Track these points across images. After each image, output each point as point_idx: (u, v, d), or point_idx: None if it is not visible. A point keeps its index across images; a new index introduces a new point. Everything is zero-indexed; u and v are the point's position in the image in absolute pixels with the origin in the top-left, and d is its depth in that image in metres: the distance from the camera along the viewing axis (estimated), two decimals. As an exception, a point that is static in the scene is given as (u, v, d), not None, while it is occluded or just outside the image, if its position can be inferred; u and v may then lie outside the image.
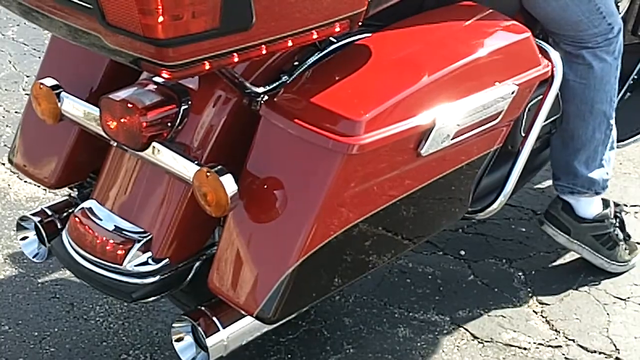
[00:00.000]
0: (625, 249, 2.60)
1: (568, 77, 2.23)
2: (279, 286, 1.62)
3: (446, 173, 1.86)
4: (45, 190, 3.04)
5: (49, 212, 2.04)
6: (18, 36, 4.20)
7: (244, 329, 1.77)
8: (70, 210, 2.01)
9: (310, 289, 1.70)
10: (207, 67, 1.45)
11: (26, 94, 3.69)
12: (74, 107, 1.85)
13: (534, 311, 2.52)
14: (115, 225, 1.80)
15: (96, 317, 2.48)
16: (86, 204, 1.86)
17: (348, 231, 1.67)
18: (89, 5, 1.42)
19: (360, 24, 1.64)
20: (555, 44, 2.27)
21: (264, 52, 1.51)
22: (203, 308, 1.78)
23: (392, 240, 1.86)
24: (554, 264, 2.71)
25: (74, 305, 2.52)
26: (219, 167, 1.60)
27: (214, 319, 1.75)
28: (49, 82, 1.87)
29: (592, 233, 2.53)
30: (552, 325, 2.47)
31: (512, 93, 1.88)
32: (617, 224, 2.58)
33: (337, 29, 1.60)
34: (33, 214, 2.03)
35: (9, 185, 3.08)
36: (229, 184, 1.59)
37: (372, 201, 1.70)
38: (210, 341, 1.73)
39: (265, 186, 1.65)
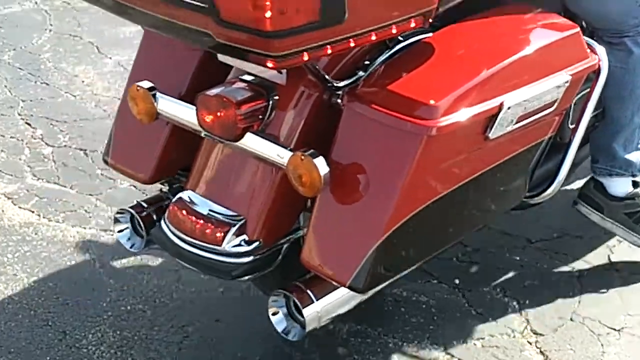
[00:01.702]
0: None
1: (610, 63, 2.29)
2: (369, 258, 1.78)
3: (509, 157, 2.03)
4: (39, 215, 3.05)
5: (145, 205, 2.18)
6: (14, 61, 4.20)
7: (336, 300, 1.94)
8: (161, 203, 2.18)
9: (395, 260, 1.88)
10: (306, 58, 1.62)
11: (21, 119, 3.69)
12: (170, 106, 2.03)
13: (528, 342, 2.51)
14: (212, 211, 1.97)
15: (88, 345, 2.47)
16: (183, 194, 2.03)
17: (427, 208, 1.84)
18: (203, 5, 1.59)
19: (431, 20, 1.82)
20: (599, 37, 2.38)
21: (352, 44, 1.68)
22: (297, 283, 1.94)
23: (464, 218, 2.06)
24: (549, 293, 2.70)
25: (67, 333, 2.51)
26: (312, 150, 1.78)
27: (308, 292, 1.91)
28: (145, 84, 2.04)
29: (625, 211, 2.60)
30: (547, 357, 2.46)
31: (566, 83, 2.04)
32: None
33: (413, 24, 1.77)
34: (130, 207, 2.18)
35: (2, 211, 3.08)
36: (322, 165, 1.77)
37: (447, 180, 1.89)
38: (305, 312, 1.90)
39: (352, 167, 1.81)
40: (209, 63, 2.06)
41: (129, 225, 2.20)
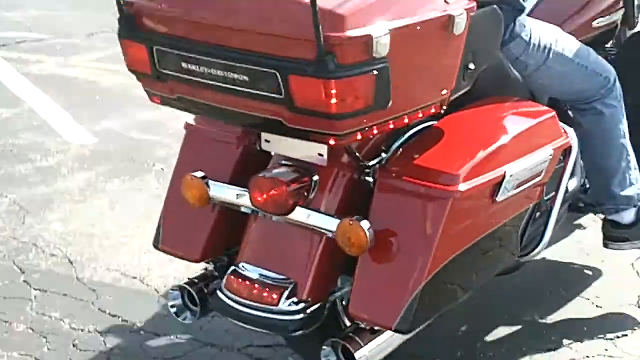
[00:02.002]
0: None
1: (587, 127, 2.78)
2: (410, 303, 2.09)
3: (509, 218, 2.41)
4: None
5: (196, 281, 2.46)
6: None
7: (382, 343, 2.24)
8: (209, 280, 2.47)
9: (432, 304, 2.18)
10: (359, 137, 2.02)
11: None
12: (220, 190, 2.36)
13: None
14: (265, 277, 2.27)
15: None
16: (237, 265, 2.33)
17: (453, 260, 2.18)
18: (278, 96, 1.95)
19: (444, 108, 2.22)
20: (570, 107, 2.87)
21: (391, 126, 2.09)
22: (347, 333, 2.23)
23: (480, 268, 2.42)
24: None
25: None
26: (357, 216, 2.12)
27: (357, 338, 2.19)
28: (198, 174, 2.35)
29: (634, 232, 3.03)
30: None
31: (550, 156, 2.45)
32: None
33: (433, 110, 2.19)
34: (184, 284, 2.45)
35: None
36: (367, 227, 2.10)
37: (467, 236, 2.24)
38: (357, 354, 2.16)
39: (390, 228, 2.15)
40: (249, 153, 2.41)
41: (180, 300, 2.47)
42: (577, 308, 3.17)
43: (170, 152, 4.35)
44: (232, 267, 2.34)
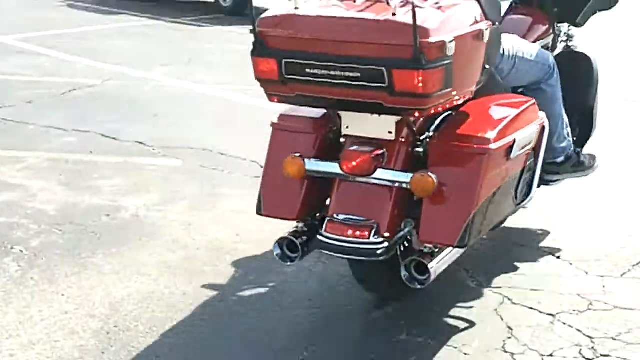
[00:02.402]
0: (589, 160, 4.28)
1: (538, 101, 3.58)
2: (465, 227, 3.00)
3: (516, 171, 3.38)
4: None
5: (297, 234, 3.24)
6: None
7: (443, 258, 3.14)
8: (303, 233, 3.25)
9: (477, 227, 3.06)
10: (432, 111, 2.99)
11: None
12: (316, 165, 3.21)
13: None
14: (356, 220, 3.11)
15: None
16: (332, 216, 3.16)
17: (488, 199, 3.10)
18: (383, 85, 2.87)
19: (472, 96, 3.22)
20: (524, 89, 3.84)
21: (447, 106, 3.05)
22: (416, 255, 3.09)
23: (503, 206, 3.37)
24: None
25: None
26: (424, 169, 3.05)
27: (427, 256, 3.08)
28: (297, 154, 3.20)
29: (570, 166, 4.14)
30: None
31: (537, 128, 3.50)
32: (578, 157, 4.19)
33: (468, 97, 3.18)
34: (288, 235, 3.23)
35: None
36: (435, 177, 3.00)
37: (495, 182, 3.16)
38: (430, 265, 3.04)
39: (446, 177, 3.04)
40: (325, 139, 3.30)
41: (280, 251, 3.25)
42: (445, 356, 3.24)
43: (29, 233, 4.25)
44: (327, 218, 3.16)
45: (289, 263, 3.27)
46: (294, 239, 3.22)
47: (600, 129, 4.63)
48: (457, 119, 3.22)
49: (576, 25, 4.47)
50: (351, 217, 3.13)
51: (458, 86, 3.01)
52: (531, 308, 3.55)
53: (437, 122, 3.24)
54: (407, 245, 3.27)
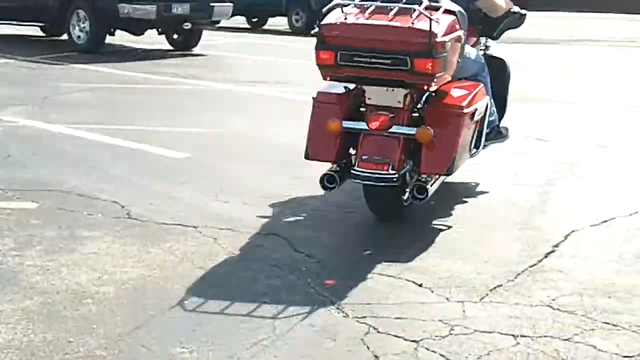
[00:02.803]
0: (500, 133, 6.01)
1: None
2: (451, 162, 4.63)
3: (473, 131, 5.04)
4: None
5: (336, 171, 4.76)
6: None
7: (435, 183, 4.82)
8: (339, 171, 4.78)
9: (457, 162, 4.70)
10: (433, 88, 4.72)
11: None
12: (350, 124, 4.72)
13: None
14: (377, 160, 4.65)
15: None
16: (361, 157, 4.69)
17: (463, 144, 4.77)
18: (405, 68, 4.52)
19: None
20: (468, 80, 5.27)
21: (440, 84, 4.70)
22: (416, 182, 4.66)
23: (469, 150, 5.04)
24: None
25: None
26: (425, 125, 4.63)
27: (425, 183, 4.66)
28: (337, 118, 4.73)
29: (494, 134, 5.81)
30: None
31: (485, 102, 5.15)
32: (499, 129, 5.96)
33: (449, 79, 4.86)
34: (330, 171, 4.73)
35: None
36: (431, 130, 4.58)
37: (468, 134, 4.86)
38: (428, 186, 4.66)
39: (438, 130, 4.58)
40: (354, 107, 4.90)
41: (322, 183, 4.78)
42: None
43: None
44: (358, 159, 4.73)
45: (329, 191, 4.81)
46: (334, 174, 4.73)
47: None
48: (442, 94, 4.88)
49: (493, 39, 6.07)
50: (374, 157, 4.68)
51: (448, 72, 4.76)
52: (396, 336, 3.61)
53: (425, 97, 4.91)
54: (406, 178, 4.85)
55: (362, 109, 4.83)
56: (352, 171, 4.70)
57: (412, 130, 4.63)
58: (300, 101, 9.83)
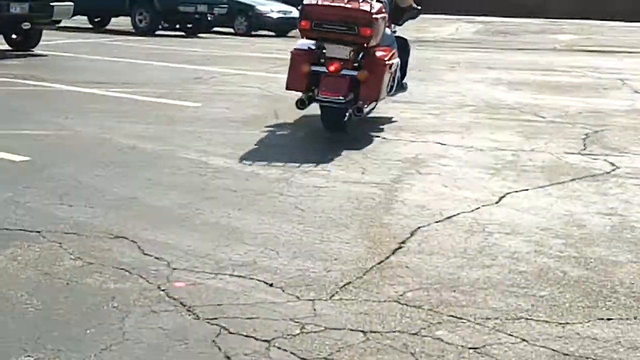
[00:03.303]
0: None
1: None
2: (378, 93, 7.89)
3: (391, 77, 8.25)
4: None
5: (305, 97, 7.68)
6: None
7: (368, 108, 8.59)
8: (308, 98, 7.73)
9: (383, 94, 8.13)
10: (371, 45, 7.80)
11: None
12: (315, 68, 7.68)
13: None
14: (333, 91, 7.55)
15: None
16: (321, 89, 7.58)
17: (385, 83, 8.06)
18: (354, 33, 7.59)
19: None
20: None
21: (372, 44, 7.81)
22: (357, 105, 7.70)
23: (391, 86, 8.38)
24: None
25: None
26: (364, 69, 7.61)
27: (362, 106, 7.81)
28: (308, 64, 7.69)
29: (399, 87, 8.97)
30: None
31: (397, 61, 8.55)
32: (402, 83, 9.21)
33: (376, 44, 8.03)
34: (302, 98, 7.66)
35: None
36: (366, 72, 7.61)
37: (387, 79, 8.05)
38: (365, 108, 8.09)
39: (372, 73, 7.61)
40: (316, 58, 7.72)
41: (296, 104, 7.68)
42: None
43: None
44: (320, 91, 7.51)
45: (301, 110, 7.72)
46: (304, 99, 7.56)
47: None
48: (372, 52, 7.74)
49: (399, 25, 9.09)
50: (330, 89, 7.47)
51: (376, 38, 7.68)
52: (247, 336, 3.60)
53: (362, 53, 7.66)
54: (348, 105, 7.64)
55: (322, 60, 7.67)
56: (316, 98, 7.59)
57: (354, 73, 7.55)
58: (143, 102, 9.73)
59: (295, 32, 25.24)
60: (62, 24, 15.51)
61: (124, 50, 16.20)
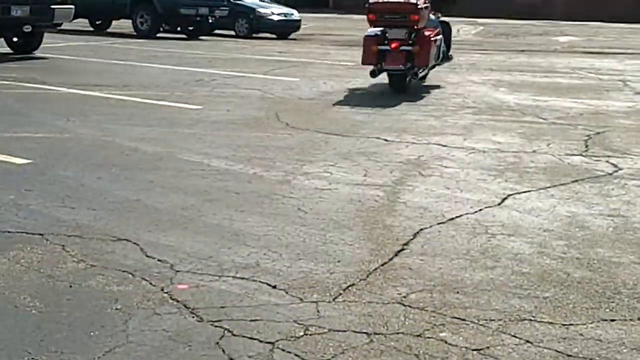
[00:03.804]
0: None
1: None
2: (428, 60, 11.46)
3: (437, 50, 12.16)
4: None
5: (377, 69, 11.32)
6: None
7: (423, 71, 12.05)
8: (378, 69, 11.30)
9: (434, 61, 12.04)
10: (419, 26, 11.45)
11: None
12: (382, 47, 11.26)
13: None
14: (397, 61, 11.19)
15: None
16: (386, 61, 11.19)
17: (433, 54, 11.90)
18: (405, 20, 11.18)
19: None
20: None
21: (420, 27, 11.39)
22: (414, 72, 11.49)
23: (435, 58, 12.21)
24: None
25: None
26: (415, 45, 11.19)
27: (417, 71, 11.63)
28: (376, 44, 11.26)
29: (444, 58, 12.98)
30: None
31: (441, 37, 12.36)
32: (448, 55, 13.36)
33: (423, 26, 11.90)
34: (373, 68, 11.29)
35: None
36: (419, 47, 11.21)
37: (435, 50, 12.07)
38: (419, 72, 11.68)
39: (422, 48, 11.18)
40: (382, 40, 11.19)
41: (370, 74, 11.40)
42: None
43: None
44: (386, 62, 11.12)
45: (374, 77, 11.32)
46: (375, 69, 11.05)
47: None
48: (421, 31, 11.11)
49: (440, 12, 12.52)
50: (394, 60, 11.00)
51: (422, 22, 11.21)
52: (251, 338, 3.60)
53: (414, 34, 11.03)
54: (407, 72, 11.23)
55: (385, 42, 10.95)
56: (384, 67, 10.97)
57: (409, 48, 10.82)
58: (144, 104, 9.73)
59: (296, 34, 25.52)
60: (63, 27, 15.55)
61: (125, 53, 16.21)
